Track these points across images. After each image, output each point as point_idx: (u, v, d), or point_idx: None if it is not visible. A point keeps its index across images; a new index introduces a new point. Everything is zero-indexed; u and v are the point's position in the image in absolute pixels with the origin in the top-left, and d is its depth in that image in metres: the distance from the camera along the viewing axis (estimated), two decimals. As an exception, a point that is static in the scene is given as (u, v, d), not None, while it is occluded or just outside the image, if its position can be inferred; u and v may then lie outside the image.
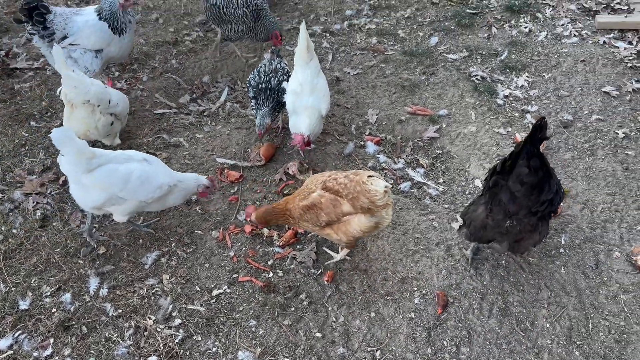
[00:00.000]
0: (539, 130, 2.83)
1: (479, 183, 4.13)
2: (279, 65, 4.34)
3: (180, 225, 3.84)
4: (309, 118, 3.87)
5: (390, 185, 3.16)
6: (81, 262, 3.57)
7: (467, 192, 4.11)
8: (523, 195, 2.96)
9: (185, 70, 5.32)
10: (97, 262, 3.57)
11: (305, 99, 3.91)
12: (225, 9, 4.80)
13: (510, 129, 4.48)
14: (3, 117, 4.57)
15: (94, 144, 4.38)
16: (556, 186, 3.07)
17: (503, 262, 3.56)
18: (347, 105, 4.84)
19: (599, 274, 3.46)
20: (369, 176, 3.11)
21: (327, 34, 5.67)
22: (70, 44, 4.32)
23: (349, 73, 5.18)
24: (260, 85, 4.21)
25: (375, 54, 5.36)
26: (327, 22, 5.83)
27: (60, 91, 3.89)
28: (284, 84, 4.16)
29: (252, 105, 4.31)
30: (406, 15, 5.83)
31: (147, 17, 5.94)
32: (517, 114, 4.62)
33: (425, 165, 4.34)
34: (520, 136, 4.35)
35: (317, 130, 3.98)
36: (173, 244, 3.71)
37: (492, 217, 3.11)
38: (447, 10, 5.87)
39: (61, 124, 4.48)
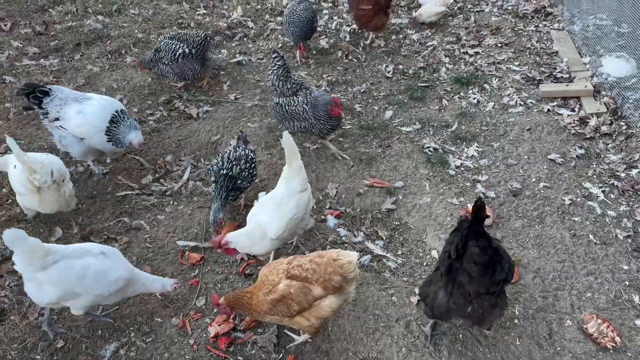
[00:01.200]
0: (479, 211, 2.98)
1: (435, 254, 4.25)
2: (243, 153, 4.47)
3: (140, 313, 3.82)
4: (244, 232, 3.80)
5: (358, 255, 3.27)
6: (39, 357, 3.51)
7: (424, 264, 4.22)
8: (479, 275, 3.06)
9: (149, 150, 5.42)
10: (55, 358, 3.51)
11: (263, 214, 3.82)
12: (287, 107, 4.97)
13: (462, 199, 4.67)
14: (-39, 207, 4.56)
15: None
16: (507, 264, 3.17)
17: (460, 336, 3.63)
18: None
19: (553, 344, 3.55)
20: (337, 253, 3.22)
21: (287, 110, 5.88)
22: (60, 126, 4.63)
23: (309, 148, 5.36)
24: (221, 172, 4.33)
25: (334, 129, 5.57)
26: (287, 98, 6.05)
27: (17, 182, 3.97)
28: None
29: (212, 190, 4.39)
30: (362, 90, 6.11)
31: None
32: (468, 184, 4.82)
33: (384, 237, 4.45)
34: (471, 206, 4.52)
35: (247, 244, 3.81)
36: (132, 334, 3.69)
37: (453, 300, 3.19)
38: (400, 84, 6.18)
39: (21, 212, 4.49)
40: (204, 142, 5.52)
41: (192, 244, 4.34)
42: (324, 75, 6.38)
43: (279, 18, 7.67)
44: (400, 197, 4.76)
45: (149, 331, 3.70)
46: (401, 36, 7.03)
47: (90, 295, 3.35)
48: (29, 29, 7.37)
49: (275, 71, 5.05)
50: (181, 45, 5.83)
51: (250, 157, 4.48)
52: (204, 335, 3.67)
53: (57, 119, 4.61)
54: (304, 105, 4.89)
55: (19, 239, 3.12)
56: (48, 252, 3.25)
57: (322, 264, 3.21)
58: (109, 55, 6.83)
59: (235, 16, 7.64)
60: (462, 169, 5.00)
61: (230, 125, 5.70)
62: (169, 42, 5.86)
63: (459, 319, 3.29)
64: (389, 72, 6.36)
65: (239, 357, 3.53)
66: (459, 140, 5.33)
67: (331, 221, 4.57)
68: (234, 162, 4.36)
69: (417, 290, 3.90)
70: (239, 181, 4.32)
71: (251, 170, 4.45)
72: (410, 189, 4.84)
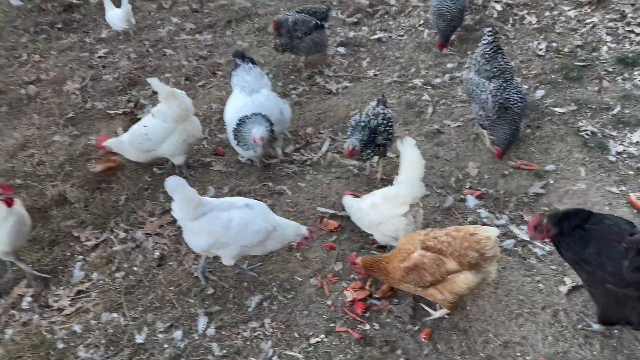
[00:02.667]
0: None
1: (589, 244, 3.91)
2: (381, 111, 4.48)
3: (281, 270, 4.01)
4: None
5: (499, 232, 3.13)
6: (192, 301, 3.84)
7: (576, 254, 3.90)
8: None
9: (291, 122, 5.61)
10: (206, 302, 3.81)
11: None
12: (474, 87, 4.64)
13: (624, 188, 4.23)
14: (130, 163, 5.09)
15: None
16: None
17: (615, 331, 3.31)
18: (446, 157, 4.85)
19: None
20: (474, 228, 3.12)
21: (428, 87, 5.75)
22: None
23: (449, 125, 5.19)
24: (359, 124, 4.37)
25: (477, 107, 5.34)
26: (427, 75, 5.92)
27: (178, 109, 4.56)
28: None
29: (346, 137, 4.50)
30: (510, 68, 5.77)
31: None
32: (631, 172, 4.35)
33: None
34: (635, 196, 4.08)
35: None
36: (274, 289, 3.88)
37: None
38: (554, 62, 5.73)
39: (179, 172, 4.91)
40: (342, 117, 5.58)
41: (331, 211, 4.44)
42: (469, 53, 6.11)
43: (421, -5, 7.49)
44: (551, 182, 4.44)
45: (290, 288, 3.86)
46: (555, 13, 6.50)
47: (236, 245, 3.58)
48: (186, 6, 7.99)
49: (483, 47, 4.58)
50: (313, 17, 5.98)
51: (388, 116, 4.47)
52: (340, 298, 3.75)
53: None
54: (489, 95, 4.46)
55: (180, 186, 3.43)
56: (200, 202, 3.53)
57: (458, 238, 3.13)
58: (257, 32, 7.18)
59: (377, -7, 7.60)
60: (625, 155, 4.52)
61: (369, 100, 5.70)
62: (304, 15, 5.98)
63: None
64: (540, 50, 5.92)
65: (375, 323, 3.56)
66: (621, 125, 4.82)
67: (471, 201, 4.40)
68: (371, 117, 4.38)
69: (567, 280, 3.63)
70: (376, 135, 4.32)
71: (388, 128, 4.42)
72: (562, 173, 4.49)
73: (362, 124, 4.35)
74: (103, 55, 7.03)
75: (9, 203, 3.67)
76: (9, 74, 6.88)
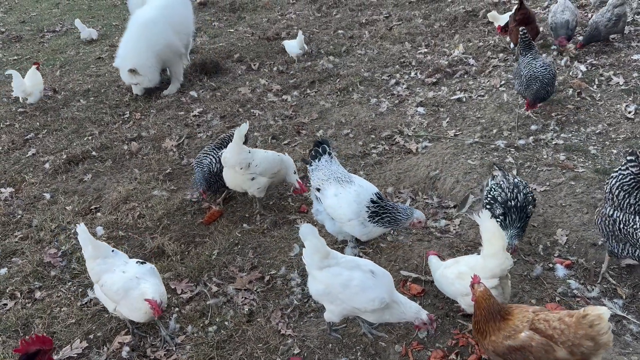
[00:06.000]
0: None
1: (693, 324, 3.70)
2: (517, 180, 4.32)
3: (365, 334, 4.07)
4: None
5: (610, 312, 3.02)
6: (279, 359, 3.98)
7: (677, 333, 3.70)
8: None
9: (372, 181, 5.72)
10: (293, 363, 3.94)
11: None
12: (621, 226, 3.89)
13: None
14: (222, 219, 5.42)
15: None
16: None
17: None
18: (533, 223, 4.78)
19: None
20: (584, 309, 3.04)
21: (512, 149, 5.74)
22: (317, 198, 4.59)
23: (535, 189, 5.14)
24: (509, 203, 4.18)
25: (564, 171, 5.26)
26: (510, 137, 5.92)
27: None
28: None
29: (499, 222, 4.06)
30: (597, 131, 5.67)
31: (339, 131, 6.66)
32: None
33: (624, 296, 4.04)
34: None
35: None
36: (359, 353, 3.93)
37: None
38: (645, 126, 5.59)
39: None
40: (422, 177, 5.67)
41: (414, 275, 4.49)
42: (553, 114, 6.08)
43: (501, 54, 7.58)
44: (646, 253, 4.26)
45: (374, 353, 3.91)
46: (645, 73, 6.36)
47: (348, 305, 3.68)
48: (273, 68, 8.52)
49: (621, 177, 3.83)
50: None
51: (525, 183, 4.33)
52: (426, 367, 3.75)
53: (318, 189, 4.53)
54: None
55: (310, 233, 3.64)
56: (327, 254, 3.70)
57: (571, 326, 3.03)
58: (338, 92, 7.51)
59: (457, 53, 7.78)
60: None
61: (449, 161, 5.77)
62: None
63: None
64: (630, 113, 5.79)
65: (461, 396, 3.52)
66: None
67: (560, 271, 4.31)
68: (515, 190, 4.21)
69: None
70: (526, 215, 4.20)
71: (532, 194, 4.29)
72: (658, 244, 4.30)
73: (513, 203, 4.13)
74: (197, 114, 7.60)
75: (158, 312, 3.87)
76: (114, 130, 7.56)
